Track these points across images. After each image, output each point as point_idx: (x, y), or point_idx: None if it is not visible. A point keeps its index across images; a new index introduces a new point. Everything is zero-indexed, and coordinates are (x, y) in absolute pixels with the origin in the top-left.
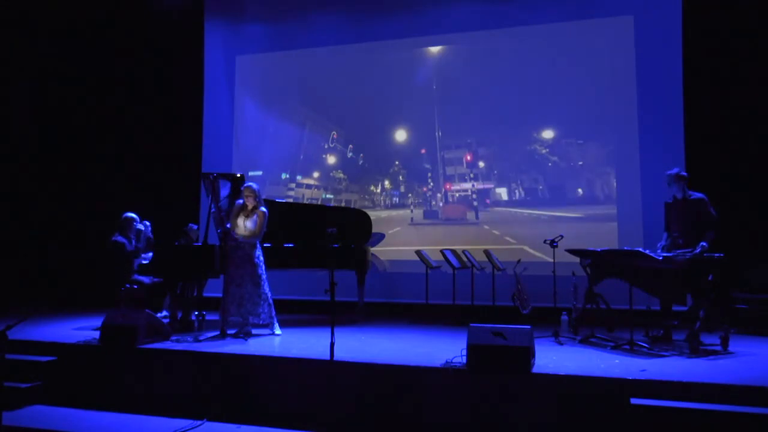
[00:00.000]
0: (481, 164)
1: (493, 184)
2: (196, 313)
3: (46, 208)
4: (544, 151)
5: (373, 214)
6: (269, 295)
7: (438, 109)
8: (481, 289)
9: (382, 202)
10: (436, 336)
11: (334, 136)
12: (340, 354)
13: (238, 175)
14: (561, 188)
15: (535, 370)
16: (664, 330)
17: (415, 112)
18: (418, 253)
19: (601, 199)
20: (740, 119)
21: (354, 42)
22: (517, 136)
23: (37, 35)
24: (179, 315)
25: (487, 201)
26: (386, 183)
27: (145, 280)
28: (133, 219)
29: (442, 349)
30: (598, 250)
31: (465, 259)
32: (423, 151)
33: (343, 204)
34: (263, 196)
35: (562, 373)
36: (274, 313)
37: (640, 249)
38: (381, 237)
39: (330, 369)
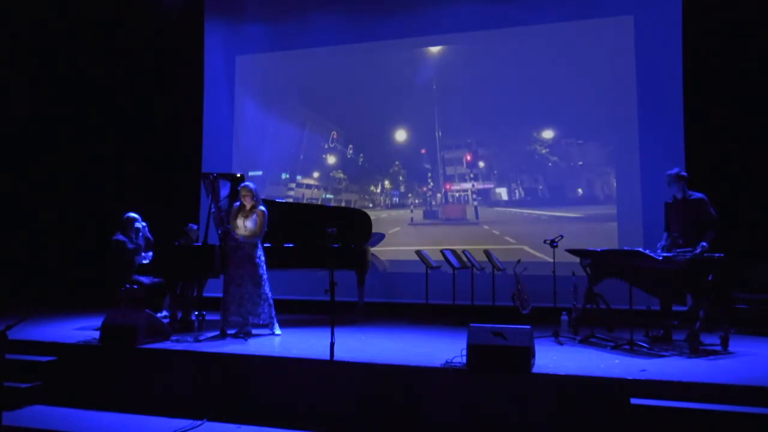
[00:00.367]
0: (481, 164)
1: (493, 184)
2: (196, 313)
3: (46, 208)
4: (544, 151)
5: (372, 214)
6: (270, 295)
7: (438, 109)
8: (481, 289)
9: (382, 202)
10: (436, 336)
11: (334, 136)
12: (340, 354)
13: (238, 175)
14: (561, 188)
15: (535, 370)
16: (664, 330)
17: (415, 112)
18: (418, 253)
19: (601, 199)
20: (740, 119)
21: (354, 42)
22: (517, 136)
23: (37, 35)
24: (179, 315)
25: (487, 201)
26: (386, 183)
27: (145, 280)
28: (134, 219)
29: (442, 349)
30: (598, 250)
31: (465, 259)
32: (423, 151)
33: (343, 204)
34: (263, 196)
35: (562, 373)
36: (274, 313)
37: (640, 249)
38: (381, 237)
39: (330, 369)
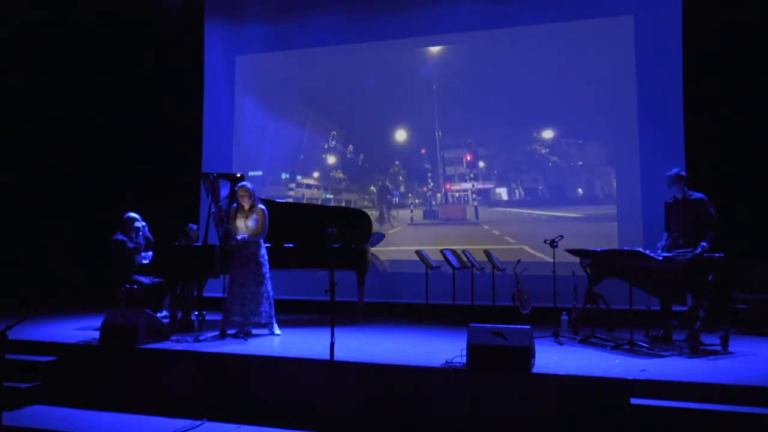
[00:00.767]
0: (481, 164)
1: (493, 184)
2: (196, 313)
3: (46, 208)
4: (544, 151)
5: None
6: (271, 294)
7: (438, 109)
8: (481, 289)
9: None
10: (436, 336)
11: (334, 136)
12: (340, 354)
13: (238, 175)
14: (561, 188)
15: (535, 370)
16: (664, 330)
17: (415, 112)
18: (418, 253)
19: (601, 199)
20: (740, 119)
21: (354, 42)
22: (517, 136)
23: (36, 35)
24: (179, 315)
25: (487, 201)
26: (386, 183)
27: (145, 280)
28: (134, 218)
29: (442, 349)
30: (598, 250)
31: (465, 259)
32: (423, 151)
33: (343, 204)
34: (263, 196)
35: (562, 373)
36: (273, 312)
37: (640, 249)
38: (381, 237)
39: (330, 369)
